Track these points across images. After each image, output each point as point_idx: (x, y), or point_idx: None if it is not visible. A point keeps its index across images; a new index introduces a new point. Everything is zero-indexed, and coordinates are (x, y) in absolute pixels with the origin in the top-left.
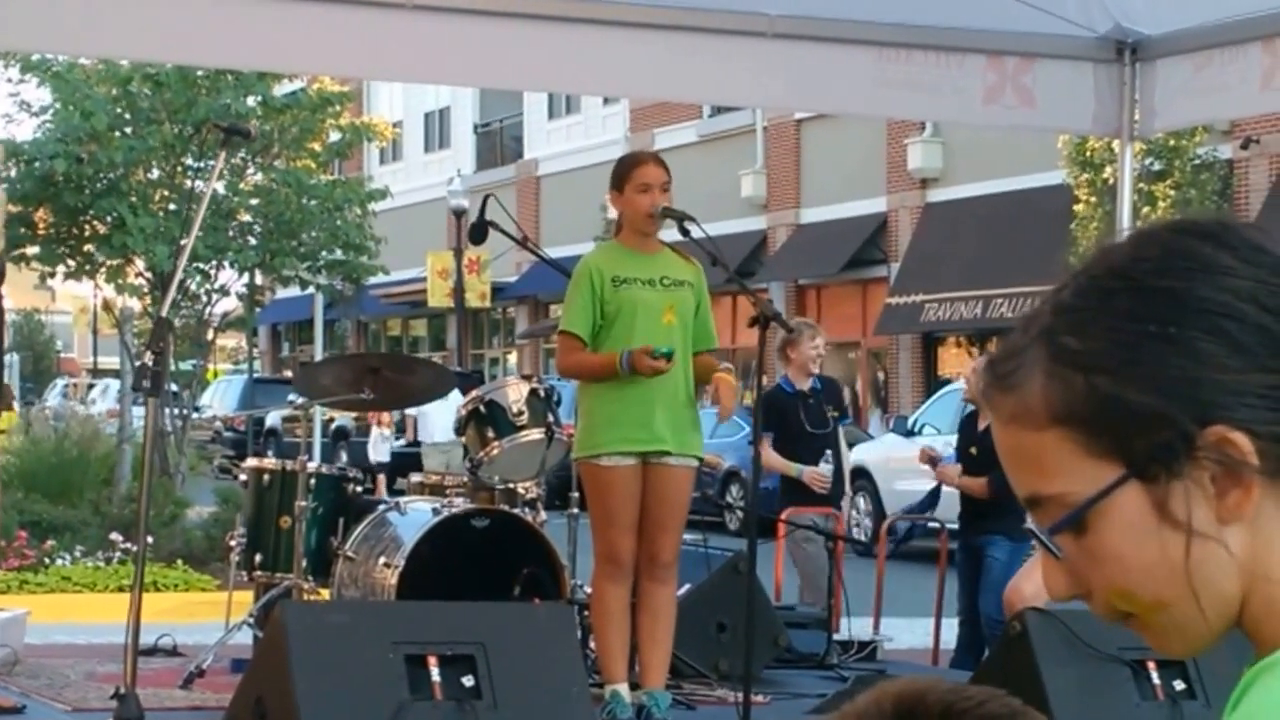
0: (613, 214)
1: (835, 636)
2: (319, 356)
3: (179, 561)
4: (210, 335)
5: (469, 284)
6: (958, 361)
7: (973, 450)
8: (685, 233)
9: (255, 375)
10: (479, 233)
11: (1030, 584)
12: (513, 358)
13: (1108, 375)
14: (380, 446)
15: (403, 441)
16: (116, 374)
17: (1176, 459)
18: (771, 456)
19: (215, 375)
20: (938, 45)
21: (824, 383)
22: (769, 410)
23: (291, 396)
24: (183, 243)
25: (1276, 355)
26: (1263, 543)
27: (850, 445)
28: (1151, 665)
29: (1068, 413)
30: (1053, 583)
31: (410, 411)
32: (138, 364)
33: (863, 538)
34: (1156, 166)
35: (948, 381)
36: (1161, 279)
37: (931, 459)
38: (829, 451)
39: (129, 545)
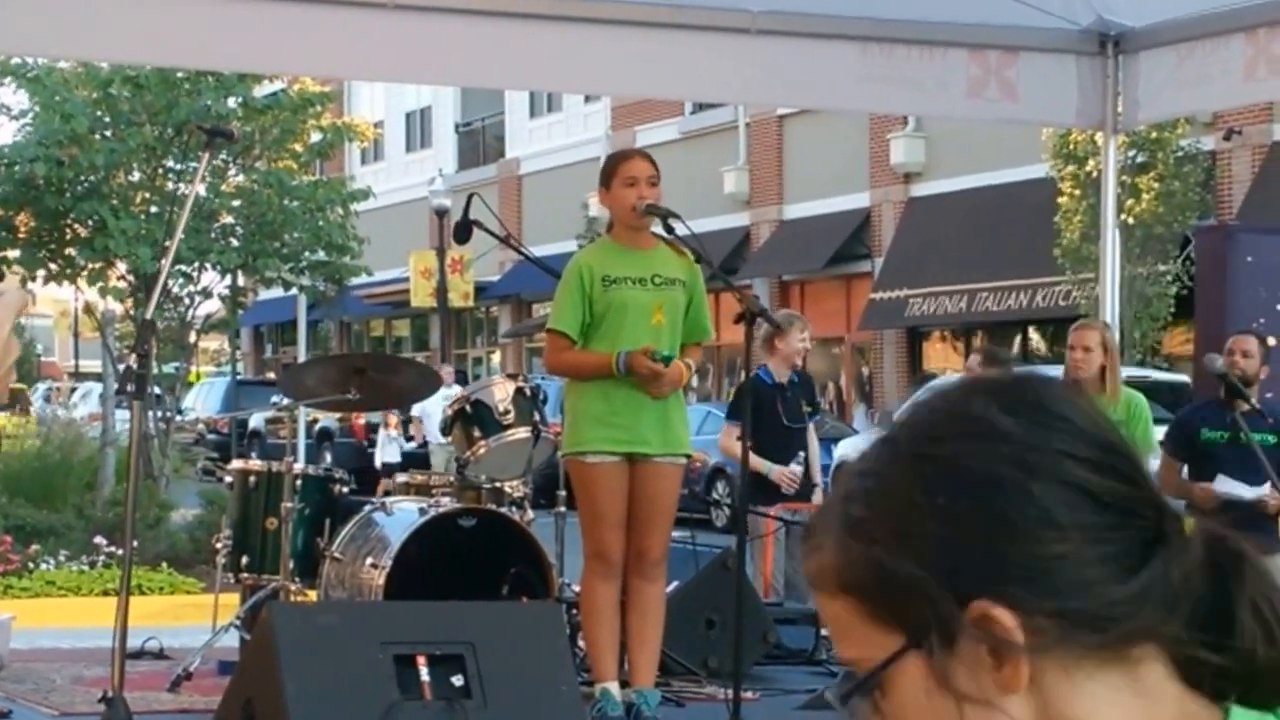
0: (594, 212)
1: (823, 631)
2: (302, 358)
3: (164, 564)
4: (193, 337)
5: (452, 283)
6: (943, 356)
7: None
8: (670, 230)
9: (238, 377)
10: (464, 232)
11: None
12: (496, 357)
13: (882, 546)
14: (389, 448)
15: (413, 444)
16: (99, 377)
17: (950, 631)
18: (734, 454)
19: (198, 378)
20: (920, 40)
21: (800, 377)
22: (742, 400)
23: (275, 398)
24: (166, 245)
25: (1047, 526)
26: (1055, 709)
27: (835, 440)
28: None
29: (853, 581)
30: None
31: (414, 411)
32: (122, 367)
33: None
34: (1140, 159)
35: (933, 376)
36: (937, 447)
37: None
38: (801, 453)
39: (113, 549)
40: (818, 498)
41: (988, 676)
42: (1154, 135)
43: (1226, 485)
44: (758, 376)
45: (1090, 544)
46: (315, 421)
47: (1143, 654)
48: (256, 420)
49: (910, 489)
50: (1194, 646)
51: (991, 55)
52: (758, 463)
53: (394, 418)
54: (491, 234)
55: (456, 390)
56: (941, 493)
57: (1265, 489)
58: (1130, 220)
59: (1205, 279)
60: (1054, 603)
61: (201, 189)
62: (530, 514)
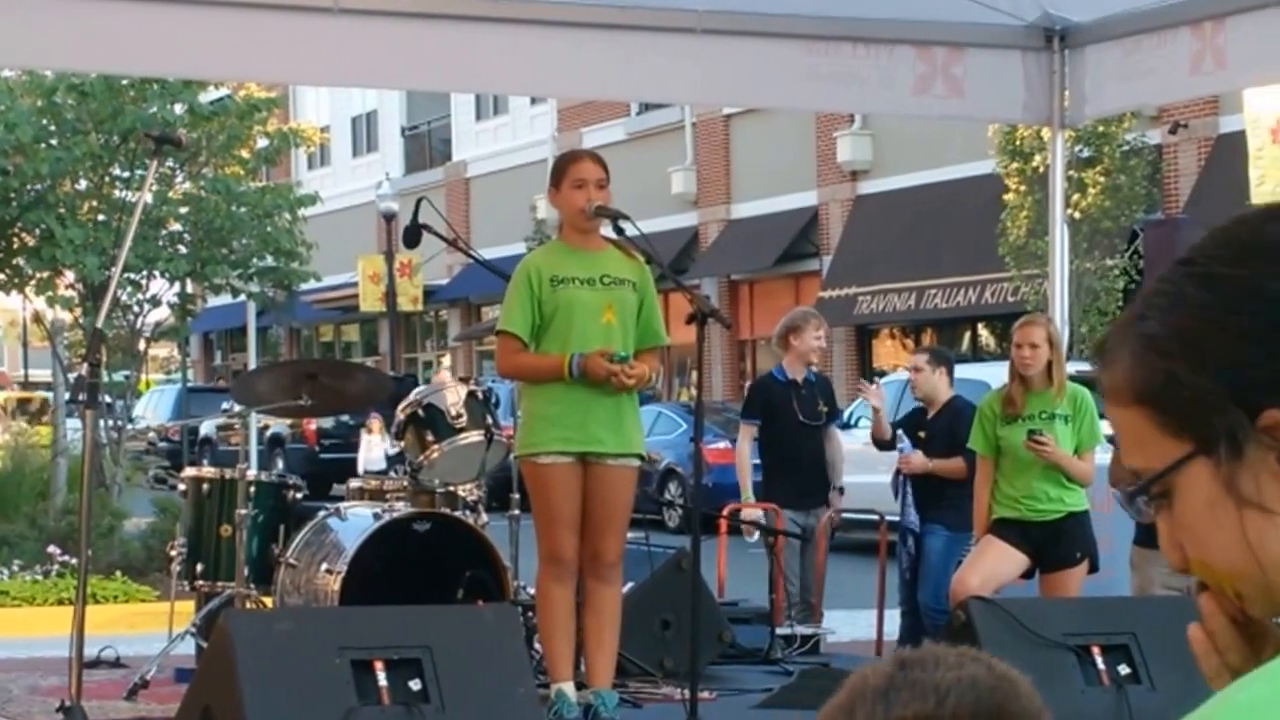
0: (542, 214)
1: (778, 630)
2: (252, 364)
3: (118, 573)
4: (143, 345)
5: (401, 287)
6: (892, 353)
7: (921, 434)
8: (620, 231)
9: (189, 384)
10: (413, 236)
11: (976, 575)
12: (446, 361)
13: (1175, 359)
14: (375, 453)
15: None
16: (49, 386)
17: (1239, 440)
18: (741, 460)
19: (148, 386)
20: (866, 37)
21: (818, 378)
22: (756, 398)
23: (226, 405)
24: (114, 253)
25: None
26: None
27: None
28: (1096, 650)
29: (1145, 392)
30: (1166, 553)
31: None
32: (73, 376)
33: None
34: (1086, 153)
35: (883, 373)
36: (1234, 268)
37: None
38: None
39: (67, 558)
40: (836, 500)
41: (1274, 483)
42: (1100, 130)
43: None
44: (770, 375)
45: None
46: (266, 428)
47: None
48: (208, 427)
49: (1207, 306)
50: None
51: (938, 52)
52: (745, 485)
53: (376, 422)
54: (440, 237)
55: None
56: (1236, 310)
57: None
58: (1077, 215)
59: (1153, 273)
60: None
61: (149, 197)
62: (484, 517)
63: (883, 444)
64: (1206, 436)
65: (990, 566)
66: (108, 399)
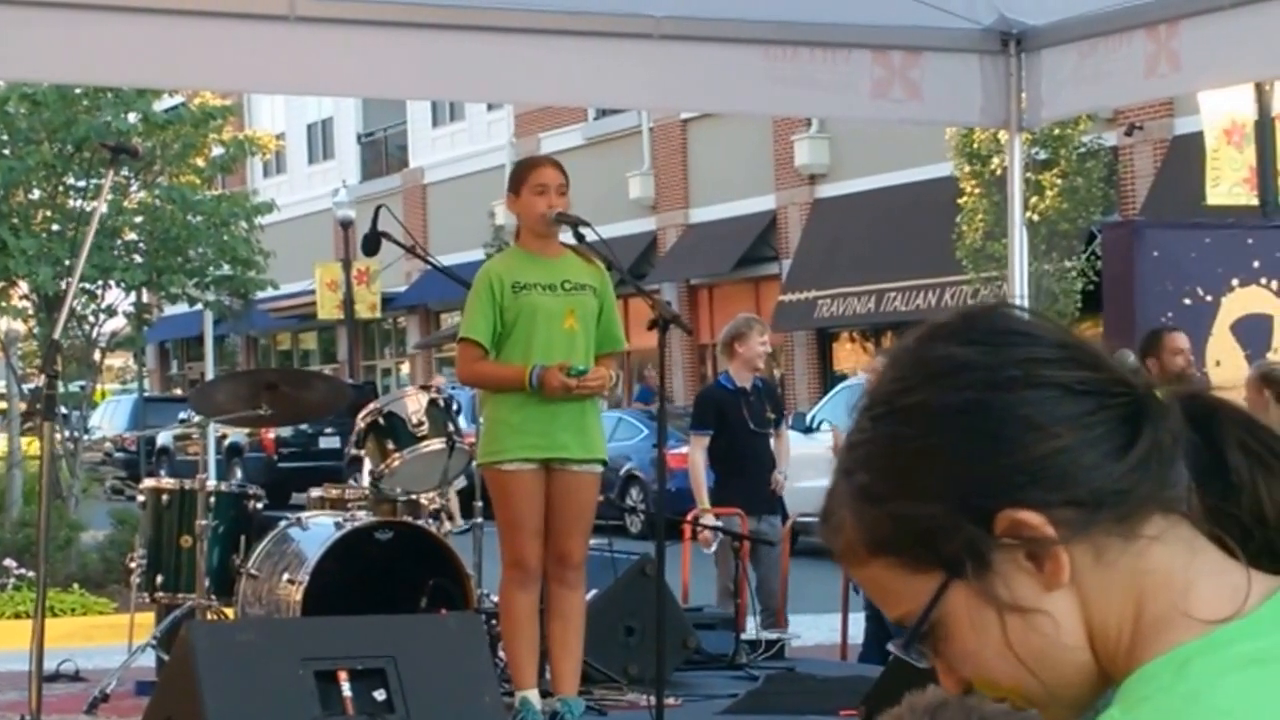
0: (500, 220)
1: (742, 636)
2: (209, 373)
3: (75, 585)
4: (98, 356)
5: (358, 295)
6: (853, 357)
7: None
8: (580, 238)
9: (145, 394)
10: (372, 244)
11: None
12: (405, 368)
13: (893, 500)
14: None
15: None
16: (1, 398)
17: (983, 551)
18: (696, 470)
19: (104, 396)
20: (824, 42)
21: (765, 384)
22: (708, 408)
23: (183, 414)
24: (69, 263)
25: (1035, 429)
26: (1094, 593)
27: None
28: None
29: (877, 542)
30: (947, 686)
31: None
32: (28, 388)
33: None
34: (1042, 155)
35: (844, 377)
36: (909, 395)
37: None
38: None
39: (22, 571)
40: (778, 486)
41: (1029, 580)
42: (1056, 132)
43: None
44: (718, 383)
45: (1079, 431)
46: (224, 437)
47: (1164, 525)
48: (165, 437)
49: (900, 440)
50: (1203, 497)
51: (895, 56)
52: (700, 495)
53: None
54: (400, 245)
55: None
56: (930, 434)
57: None
58: (1035, 218)
59: (1112, 275)
60: (1066, 493)
61: (104, 207)
62: (447, 525)
63: None
64: (950, 560)
65: None
66: (63, 410)
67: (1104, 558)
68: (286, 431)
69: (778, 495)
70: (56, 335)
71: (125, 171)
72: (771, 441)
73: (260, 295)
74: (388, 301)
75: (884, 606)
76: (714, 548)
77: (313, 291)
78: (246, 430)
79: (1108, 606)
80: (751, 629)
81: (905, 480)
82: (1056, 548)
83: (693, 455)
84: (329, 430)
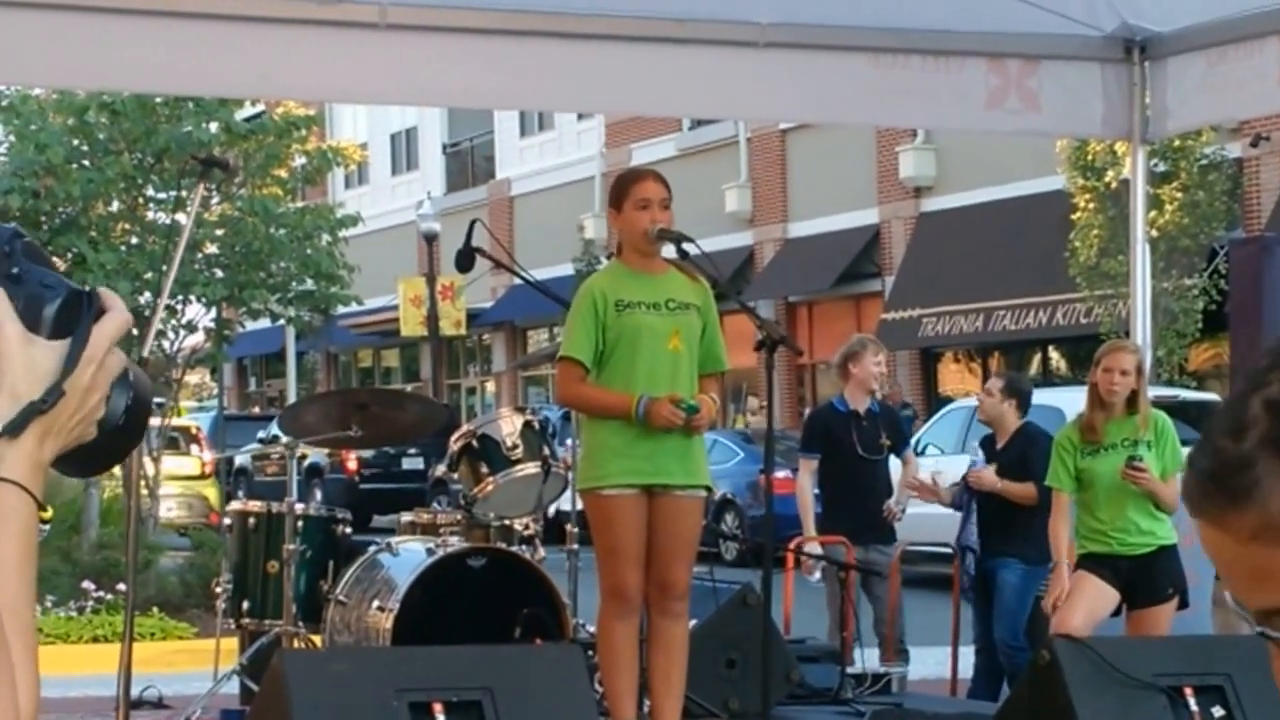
0: (590, 234)
1: (849, 669)
2: (291, 391)
3: (154, 609)
4: (178, 372)
5: (443, 311)
6: (959, 378)
7: (994, 466)
8: (684, 254)
9: (225, 412)
10: (466, 261)
11: (1078, 614)
12: (491, 387)
13: None
14: None
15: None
16: None
17: None
18: (802, 496)
19: (181, 414)
20: (936, 49)
21: (883, 408)
22: (816, 431)
23: (262, 433)
24: (148, 277)
25: None
26: None
27: None
28: (1189, 691)
29: None
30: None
31: None
32: None
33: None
34: (1162, 168)
35: (949, 399)
36: None
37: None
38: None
39: (102, 594)
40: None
41: None
42: (1177, 143)
43: None
44: (829, 404)
45: None
46: (304, 457)
47: None
48: (243, 457)
49: None
50: None
51: (1012, 64)
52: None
53: None
54: (495, 261)
55: None
56: None
57: None
58: (1154, 233)
59: (1240, 294)
60: None
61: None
62: (541, 552)
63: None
64: None
65: (1090, 604)
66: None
67: None
68: (368, 452)
69: (890, 524)
70: (145, 353)
71: (210, 183)
72: (896, 466)
73: (342, 311)
74: (473, 318)
75: (1259, 592)
76: (816, 576)
77: (396, 307)
78: (327, 451)
79: None
80: (865, 661)
81: None
82: None
83: (800, 480)
84: (412, 451)
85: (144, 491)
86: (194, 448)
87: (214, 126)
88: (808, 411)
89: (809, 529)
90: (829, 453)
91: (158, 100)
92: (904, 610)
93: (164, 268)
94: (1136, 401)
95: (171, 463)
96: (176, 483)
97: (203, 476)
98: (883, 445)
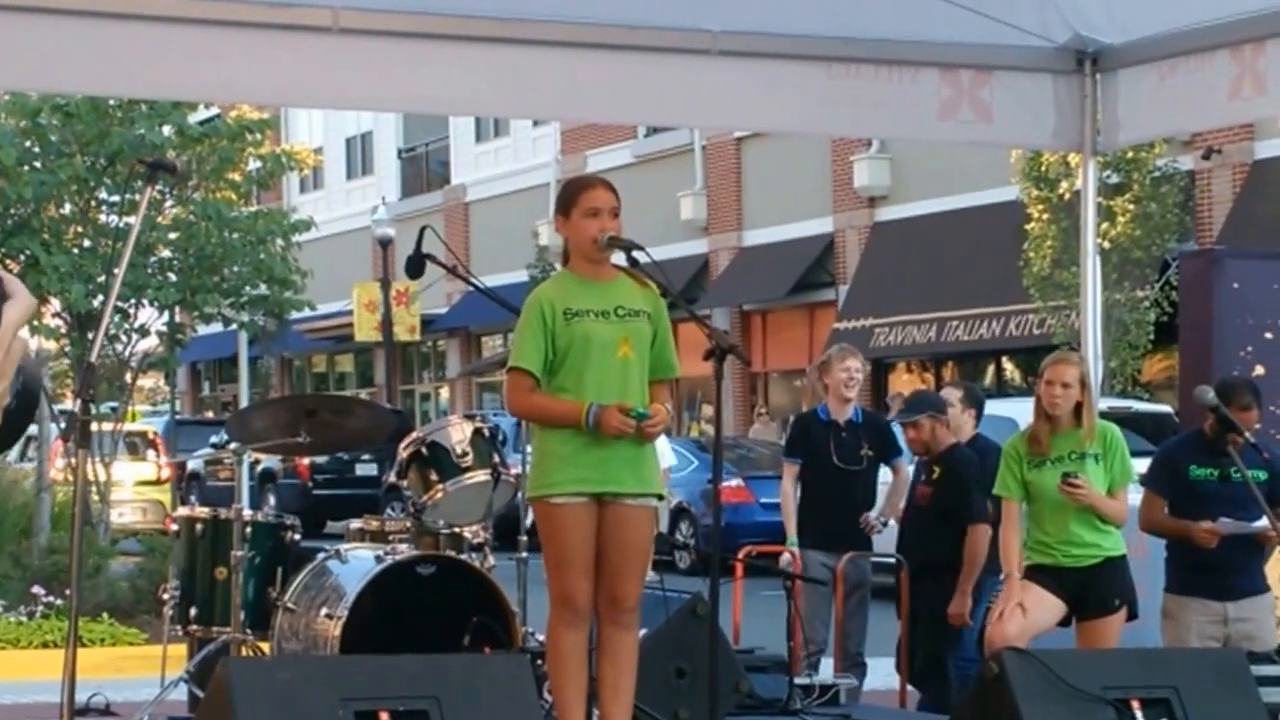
0: (544, 240)
1: (796, 680)
2: (243, 396)
3: (104, 614)
4: (130, 377)
5: (397, 316)
6: (910, 388)
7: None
8: (634, 262)
9: (177, 416)
10: (416, 267)
11: (1013, 624)
12: (445, 393)
13: None
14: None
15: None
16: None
17: None
18: (784, 500)
19: (134, 418)
20: (889, 59)
21: (866, 418)
22: (798, 436)
23: (215, 438)
24: (101, 280)
25: None
26: None
27: None
28: (1136, 704)
29: None
30: None
31: None
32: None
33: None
34: (1114, 180)
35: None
36: None
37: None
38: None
39: (52, 599)
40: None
41: None
42: (1130, 155)
43: (1230, 525)
44: (813, 412)
45: None
46: (258, 462)
47: None
48: (195, 462)
49: None
50: None
51: (964, 75)
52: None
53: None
54: (445, 267)
55: None
56: None
57: (1263, 522)
58: (1106, 245)
59: (1189, 307)
60: None
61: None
62: (491, 560)
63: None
64: None
65: (1030, 614)
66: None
67: None
68: (322, 458)
69: (865, 535)
70: (93, 358)
71: (160, 186)
72: (886, 476)
73: (296, 315)
74: (428, 324)
75: None
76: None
77: (350, 312)
78: (280, 456)
79: None
80: (822, 672)
81: None
82: None
83: (783, 484)
84: (366, 457)
85: (95, 497)
86: (151, 453)
87: (167, 130)
88: (793, 417)
89: (792, 535)
90: (808, 460)
91: (111, 103)
92: (865, 622)
93: (120, 272)
94: (1082, 414)
95: (129, 468)
96: (134, 488)
97: (160, 482)
98: (864, 456)
